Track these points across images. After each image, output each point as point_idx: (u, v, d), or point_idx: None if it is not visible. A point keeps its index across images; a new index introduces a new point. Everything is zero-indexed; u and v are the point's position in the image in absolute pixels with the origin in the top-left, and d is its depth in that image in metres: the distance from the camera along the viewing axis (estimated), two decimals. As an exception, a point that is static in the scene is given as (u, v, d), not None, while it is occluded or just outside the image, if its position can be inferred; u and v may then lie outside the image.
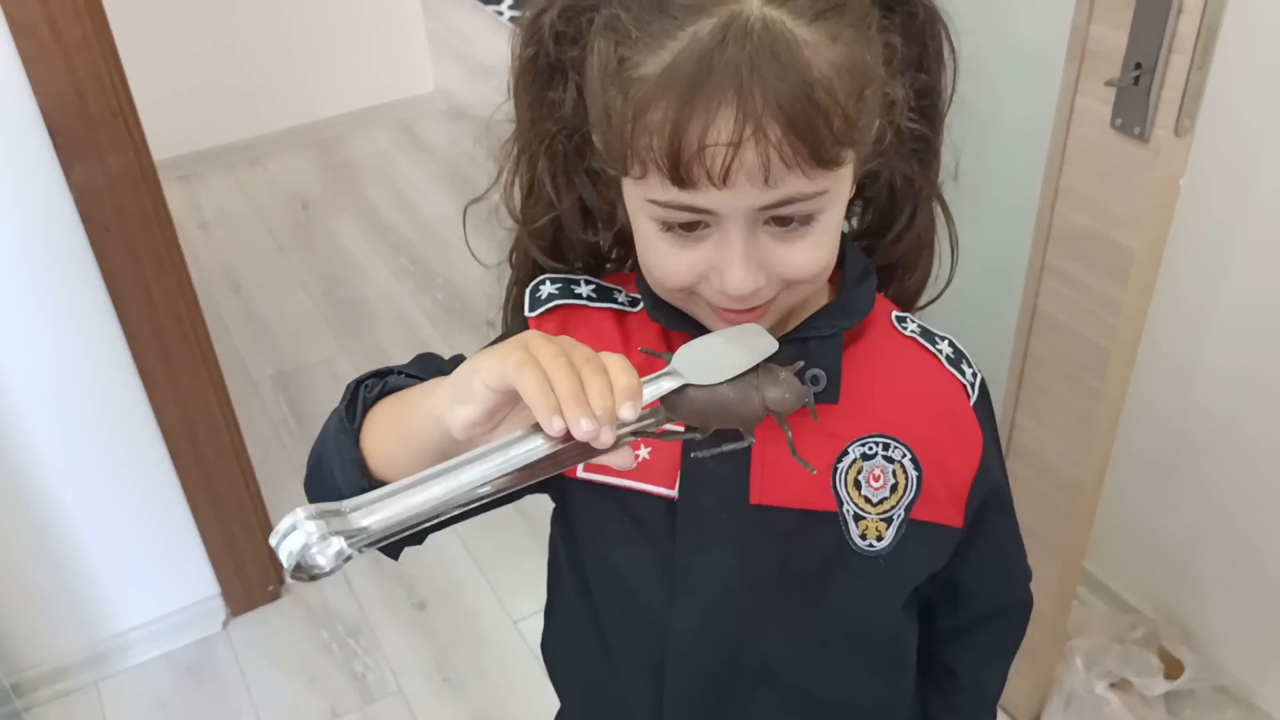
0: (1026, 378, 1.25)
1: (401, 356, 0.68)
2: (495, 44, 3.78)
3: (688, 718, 0.73)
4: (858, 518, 0.68)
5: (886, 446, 0.67)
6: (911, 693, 0.80)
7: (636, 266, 0.67)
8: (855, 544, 0.68)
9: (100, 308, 1.43)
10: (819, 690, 0.73)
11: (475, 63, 3.64)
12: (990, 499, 0.72)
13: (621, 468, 0.55)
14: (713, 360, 0.55)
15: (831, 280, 0.66)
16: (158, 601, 1.70)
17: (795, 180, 0.55)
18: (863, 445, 0.67)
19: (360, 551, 0.49)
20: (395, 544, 0.63)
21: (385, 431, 0.62)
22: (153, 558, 1.66)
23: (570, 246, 0.72)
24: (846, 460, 0.67)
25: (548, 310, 0.70)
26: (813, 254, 0.60)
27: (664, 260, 0.61)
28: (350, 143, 3.19)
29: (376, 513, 0.49)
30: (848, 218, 0.72)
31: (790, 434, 0.58)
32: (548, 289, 0.71)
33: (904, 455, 0.67)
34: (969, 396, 0.70)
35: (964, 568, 0.73)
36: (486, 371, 0.52)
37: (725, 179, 0.54)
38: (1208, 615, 1.51)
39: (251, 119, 3.08)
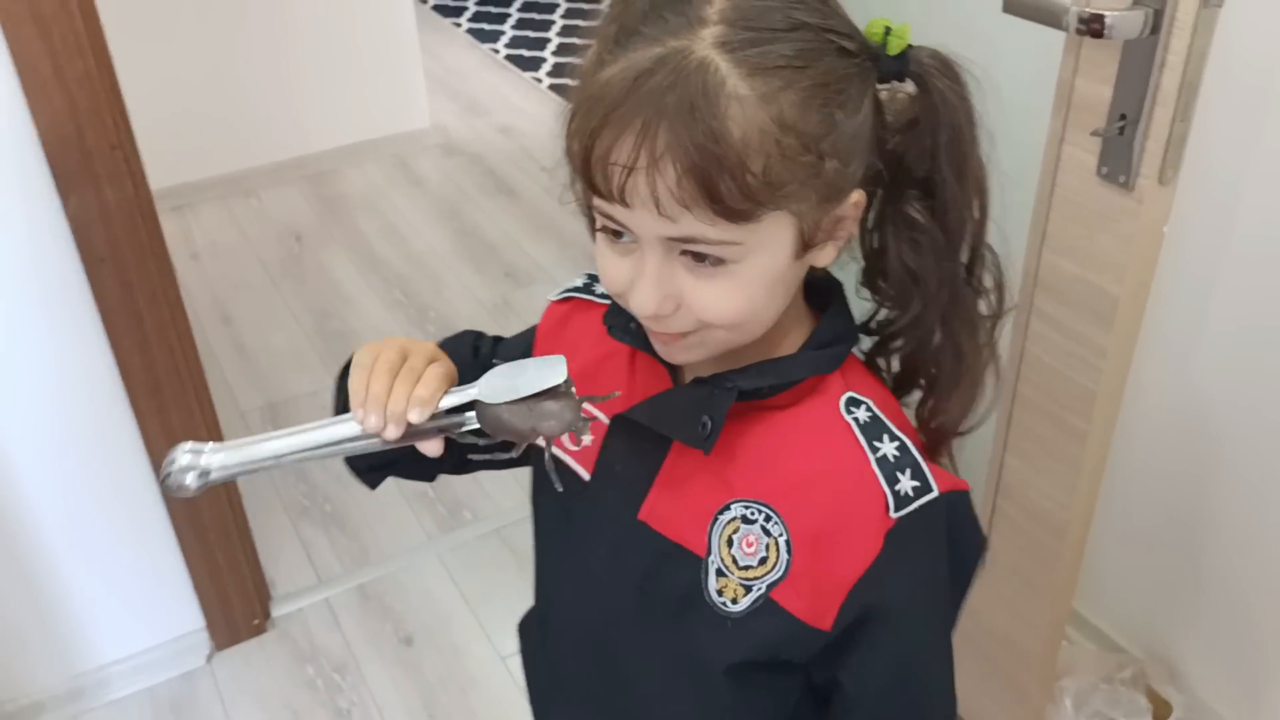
0: (1015, 419, 1.26)
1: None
2: (490, 82, 3.82)
3: (570, 666, 0.81)
4: (720, 573, 0.68)
5: (768, 519, 0.67)
6: None
7: None
8: (710, 596, 0.68)
9: (93, 338, 1.44)
10: (659, 711, 0.76)
11: (470, 100, 3.68)
12: (878, 616, 0.67)
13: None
14: (510, 382, 0.65)
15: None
16: (140, 635, 1.68)
17: (694, 223, 0.57)
18: (746, 508, 0.67)
19: (217, 479, 0.65)
20: (373, 475, 0.80)
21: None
22: (137, 590, 1.64)
23: None
24: (726, 515, 0.68)
25: (562, 299, 0.80)
26: (725, 298, 0.61)
27: (603, 263, 0.65)
28: (344, 176, 3.21)
29: (224, 458, 0.65)
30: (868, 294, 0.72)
31: (550, 452, 0.67)
32: (577, 281, 0.80)
33: (781, 534, 0.66)
34: (888, 507, 0.65)
35: (845, 672, 0.70)
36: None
37: (623, 198, 0.58)
38: (1195, 655, 1.52)
39: (246, 151, 3.10)
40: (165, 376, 1.49)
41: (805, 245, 0.62)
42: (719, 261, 0.60)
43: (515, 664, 1.71)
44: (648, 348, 0.70)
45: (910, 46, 0.63)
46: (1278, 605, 1.39)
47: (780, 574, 0.66)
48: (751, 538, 0.67)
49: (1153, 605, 1.56)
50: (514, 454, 0.67)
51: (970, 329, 0.70)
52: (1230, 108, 1.22)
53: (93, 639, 1.64)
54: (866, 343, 0.74)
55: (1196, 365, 1.39)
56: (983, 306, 0.71)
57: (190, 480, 0.64)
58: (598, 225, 0.63)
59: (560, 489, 0.69)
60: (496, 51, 4.04)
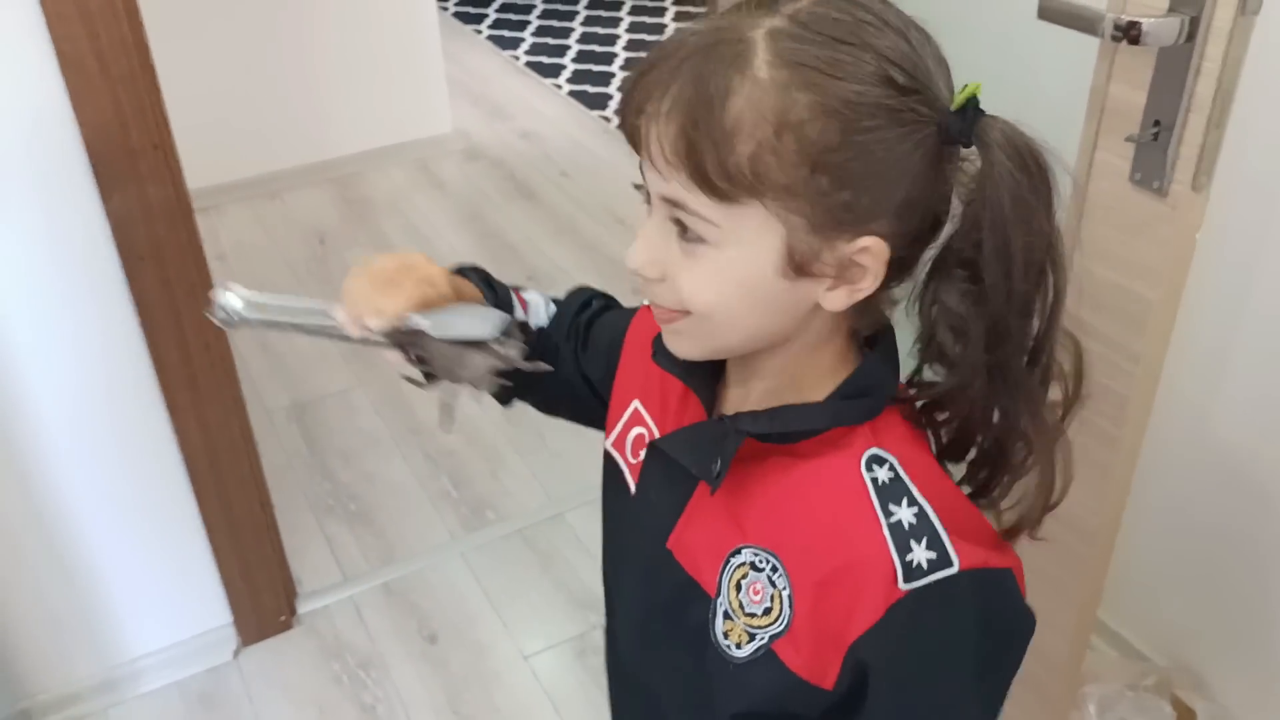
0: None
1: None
2: (511, 87, 3.85)
3: (629, 658, 0.82)
4: (727, 616, 0.67)
5: (774, 569, 0.65)
6: None
7: None
8: (716, 637, 0.68)
9: (130, 334, 1.46)
10: None
11: (492, 105, 3.71)
12: (875, 682, 0.63)
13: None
14: (451, 323, 0.71)
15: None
16: (170, 629, 1.70)
17: (679, 188, 0.59)
18: (756, 555, 0.66)
19: (246, 317, 0.73)
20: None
21: None
22: (167, 584, 1.66)
23: None
24: (737, 559, 0.67)
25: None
26: (699, 281, 0.61)
27: (639, 227, 0.66)
28: (368, 179, 3.23)
29: (252, 310, 0.73)
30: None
31: (443, 395, 0.72)
32: None
33: (785, 588, 0.64)
34: (895, 578, 0.61)
35: None
36: None
37: (634, 143, 0.60)
38: (1219, 665, 1.52)
39: (271, 154, 3.13)
40: (201, 372, 1.51)
41: (796, 267, 0.60)
42: (698, 240, 0.60)
43: (538, 662, 1.73)
44: (685, 376, 0.70)
45: (982, 111, 0.59)
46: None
47: (782, 628, 0.65)
48: (758, 586, 0.66)
49: (1178, 614, 1.56)
50: (427, 387, 0.73)
51: (1034, 418, 0.65)
52: (1264, 114, 1.23)
53: (126, 632, 1.66)
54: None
55: (1227, 374, 1.39)
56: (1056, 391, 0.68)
57: (224, 314, 0.73)
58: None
59: (448, 432, 0.75)
60: (517, 58, 4.07)
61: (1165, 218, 1.04)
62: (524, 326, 0.80)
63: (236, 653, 1.75)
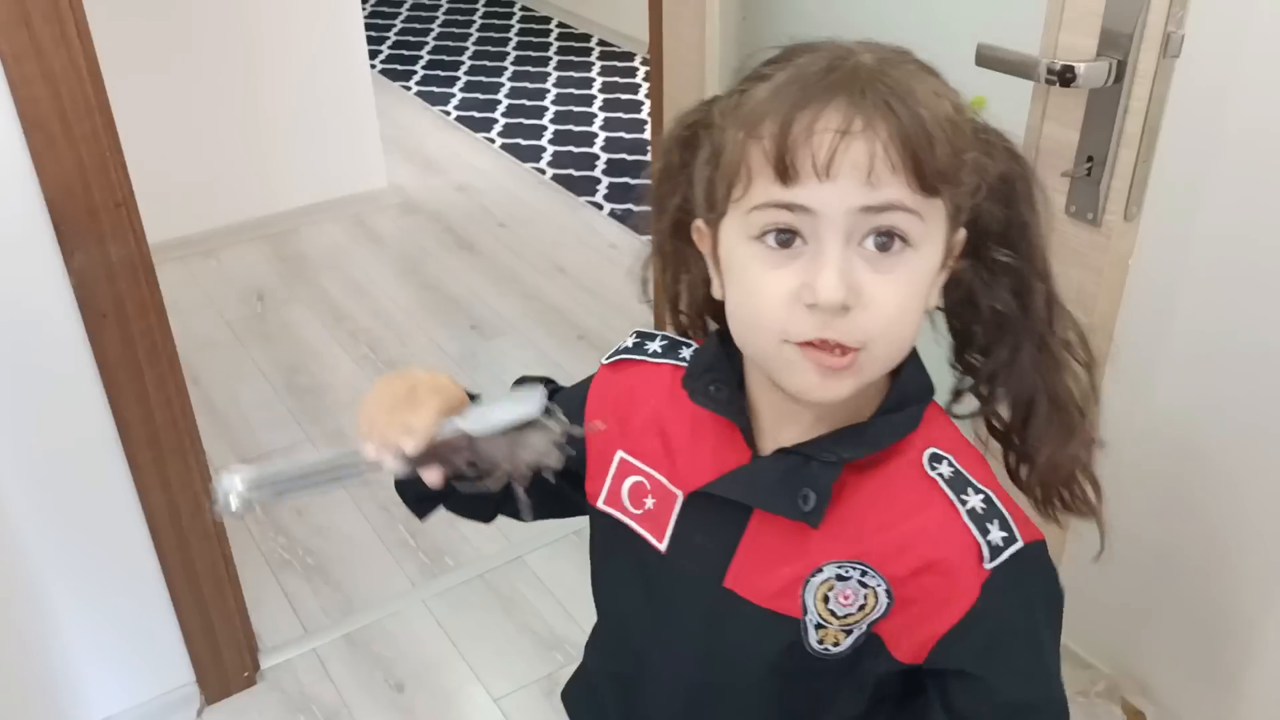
0: (993, 442, 1.34)
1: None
2: (444, 141, 3.89)
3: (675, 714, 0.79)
4: (819, 626, 0.70)
5: (864, 574, 0.69)
6: None
7: (705, 333, 0.76)
8: (812, 648, 0.70)
9: (91, 393, 1.44)
10: None
11: (425, 159, 3.74)
12: (983, 658, 0.69)
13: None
14: (494, 413, 0.67)
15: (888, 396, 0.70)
16: (132, 690, 1.66)
17: (897, 189, 0.60)
18: (840, 567, 0.69)
19: (258, 498, 0.68)
20: (420, 506, 0.79)
21: None
22: (129, 644, 1.63)
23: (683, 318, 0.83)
24: (819, 577, 0.69)
25: (616, 361, 0.81)
26: (897, 296, 0.61)
27: (759, 279, 0.63)
28: (303, 236, 3.23)
29: (252, 478, 0.68)
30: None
31: (518, 486, 0.67)
32: (628, 342, 0.81)
33: (879, 584, 0.69)
34: (982, 557, 0.67)
35: (945, 697, 0.72)
36: None
37: (829, 168, 0.58)
38: (1163, 669, 1.59)
39: (204, 213, 3.11)
40: (163, 429, 1.50)
41: (943, 263, 0.66)
42: (904, 242, 0.61)
43: (508, 705, 1.73)
44: (729, 412, 0.71)
45: None
46: (1238, 618, 1.47)
47: (882, 612, 0.69)
48: (848, 591, 0.69)
49: (1120, 623, 1.63)
50: (493, 487, 0.68)
51: (1058, 375, 0.73)
52: (1185, 147, 1.33)
53: (88, 694, 1.62)
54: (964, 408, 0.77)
55: (1160, 387, 1.49)
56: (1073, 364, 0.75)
57: (233, 502, 0.68)
58: (759, 245, 0.63)
59: (530, 519, 0.70)
60: (447, 113, 4.11)
61: (1100, 247, 1.12)
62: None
63: (200, 711, 1.72)
